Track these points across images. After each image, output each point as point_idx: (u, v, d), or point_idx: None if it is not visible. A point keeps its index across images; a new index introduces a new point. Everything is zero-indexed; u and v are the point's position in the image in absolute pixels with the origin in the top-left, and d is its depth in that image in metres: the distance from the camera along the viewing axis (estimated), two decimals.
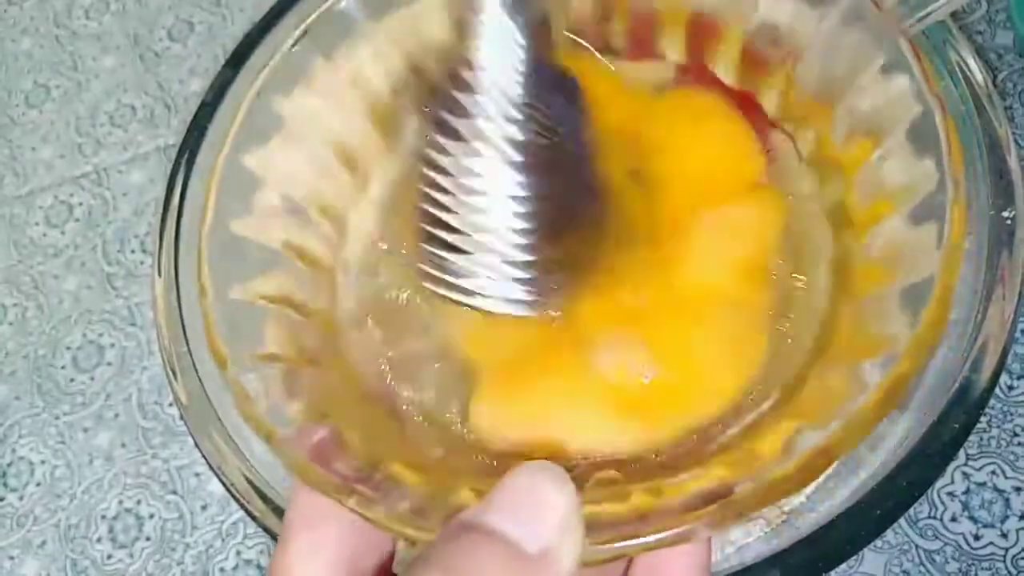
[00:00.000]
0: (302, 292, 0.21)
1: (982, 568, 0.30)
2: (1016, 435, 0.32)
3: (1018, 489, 0.31)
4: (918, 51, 0.20)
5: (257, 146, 0.22)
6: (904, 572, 0.31)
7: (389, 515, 0.17)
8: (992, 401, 0.30)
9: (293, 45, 0.23)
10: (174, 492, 0.38)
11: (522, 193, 0.21)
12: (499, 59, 0.21)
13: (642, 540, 0.16)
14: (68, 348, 0.42)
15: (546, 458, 0.17)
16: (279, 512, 0.26)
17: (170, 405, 0.39)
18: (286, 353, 0.20)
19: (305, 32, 0.23)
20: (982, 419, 0.31)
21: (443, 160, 0.21)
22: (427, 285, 0.22)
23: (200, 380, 0.28)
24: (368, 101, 0.24)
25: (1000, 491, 0.31)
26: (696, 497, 0.17)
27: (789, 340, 0.21)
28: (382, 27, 0.24)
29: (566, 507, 0.16)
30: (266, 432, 0.18)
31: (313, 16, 0.23)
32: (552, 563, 0.15)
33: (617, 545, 0.16)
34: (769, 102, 0.24)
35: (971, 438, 0.28)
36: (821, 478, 0.28)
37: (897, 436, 0.26)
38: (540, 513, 0.16)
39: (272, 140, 0.22)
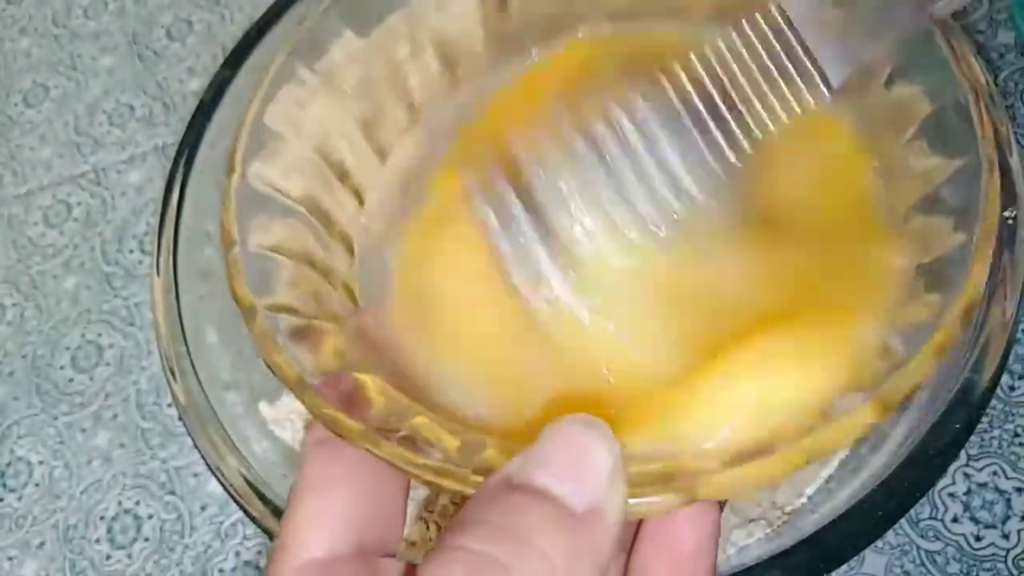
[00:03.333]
0: (323, 253, 0.21)
1: (983, 569, 0.30)
2: (1017, 435, 0.32)
3: (1019, 490, 0.31)
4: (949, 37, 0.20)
5: (282, 105, 0.21)
6: (905, 573, 0.31)
7: (422, 464, 0.16)
8: (993, 401, 0.30)
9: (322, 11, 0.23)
10: (173, 493, 0.38)
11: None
12: None
13: (681, 496, 0.16)
14: (67, 348, 0.42)
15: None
16: (278, 513, 0.26)
17: (169, 405, 0.39)
18: (309, 308, 0.19)
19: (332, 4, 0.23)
20: (983, 420, 0.31)
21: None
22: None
23: (199, 380, 0.28)
24: (394, 79, 0.24)
25: (1001, 492, 0.31)
26: (734, 456, 0.16)
27: None
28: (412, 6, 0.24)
29: (611, 462, 0.15)
30: (295, 379, 0.17)
31: None
32: (600, 519, 0.15)
33: (656, 499, 0.16)
34: None
35: (972, 439, 0.28)
36: (826, 473, 0.28)
37: (898, 437, 0.26)
38: (586, 469, 0.15)
39: (298, 103, 0.22)
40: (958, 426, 0.25)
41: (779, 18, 0.19)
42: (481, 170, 0.21)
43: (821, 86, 0.19)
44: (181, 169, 0.30)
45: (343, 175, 0.22)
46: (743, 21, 0.19)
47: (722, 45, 0.19)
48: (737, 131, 0.20)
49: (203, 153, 0.31)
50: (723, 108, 0.20)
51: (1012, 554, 0.30)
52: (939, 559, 0.31)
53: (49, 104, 0.49)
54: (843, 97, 0.20)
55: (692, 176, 0.20)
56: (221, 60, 0.32)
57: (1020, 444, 0.32)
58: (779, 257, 0.21)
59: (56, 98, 0.49)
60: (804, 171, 0.22)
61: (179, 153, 0.31)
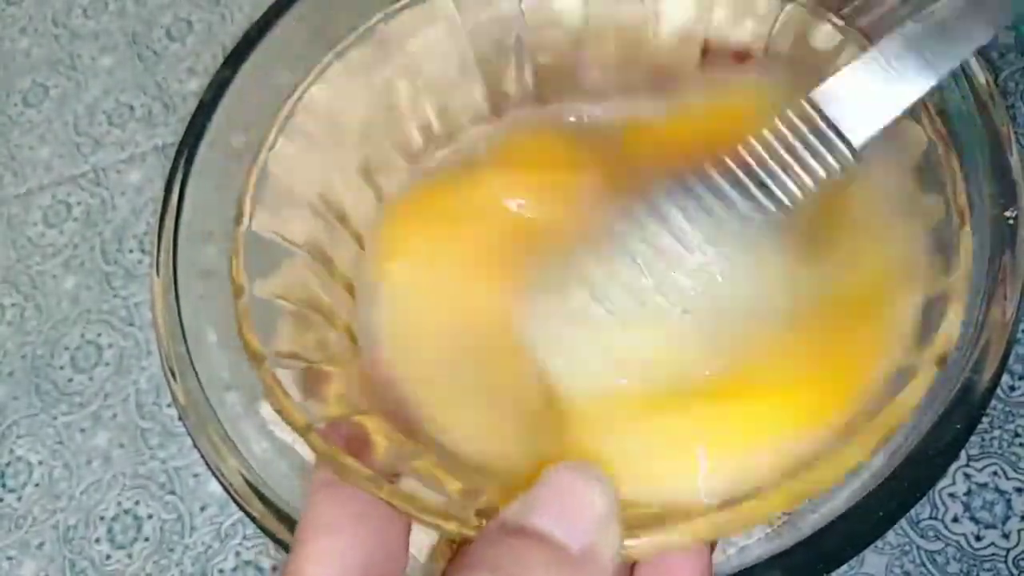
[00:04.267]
0: (326, 297, 0.21)
1: (983, 569, 0.30)
2: (1018, 436, 0.32)
3: (1020, 490, 0.31)
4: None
5: (286, 152, 0.22)
6: (905, 573, 0.31)
7: (426, 508, 0.17)
8: (994, 402, 0.30)
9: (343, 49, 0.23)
10: (173, 493, 0.38)
11: None
12: None
13: (674, 537, 0.17)
14: (66, 348, 0.42)
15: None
16: (278, 513, 0.26)
17: (168, 405, 0.39)
18: (313, 353, 0.20)
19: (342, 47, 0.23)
20: (984, 420, 0.31)
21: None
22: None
23: (199, 380, 0.28)
24: (393, 126, 0.24)
25: (1002, 492, 0.31)
26: (725, 499, 0.17)
27: None
28: (410, 49, 0.24)
29: (606, 505, 0.16)
30: (303, 425, 0.18)
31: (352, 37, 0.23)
32: (594, 561, 0.16)
33: (650, 539, 0.17)
34: None
35: (973, 439, 0.28)
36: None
37: (898, 437, 0.26)
38: (581, 512, 0.16)
39: (302, 147, 0.22)
40: (958, 426, 0.25)
41: (807, 107, 0.21)
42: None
43: (845, 151, 0.21)
44: (181, 169, 0.30)
45: (343, 219, 0.23)
46: (776, 119, 0.21)
47: (755, 139, 0.21)
48: (777, 192, 0.21)
49: (203, 153, 0.31)
50: (763, 175, 0.21)
51: (1012, 554, 0.30)
52: (939, 559, 0.31)
53: (49, 104, 0.49)
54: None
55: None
56: (221, 60, 0.32)
57: (1020, 444, 0.32)
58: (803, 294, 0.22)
59: (56, 98, 0.49)
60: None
61: (179, 153, 0.31)
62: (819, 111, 0.21)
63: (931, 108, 0.22)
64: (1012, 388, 0.33)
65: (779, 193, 0.21)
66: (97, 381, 0.41)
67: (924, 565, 0.31)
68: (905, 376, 0.18)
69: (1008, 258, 0.27)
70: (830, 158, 0.21)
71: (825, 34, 0.24)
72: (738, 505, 0.17)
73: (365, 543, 0.18)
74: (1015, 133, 0.29)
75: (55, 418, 0.40)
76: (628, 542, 0.16)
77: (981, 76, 0.29)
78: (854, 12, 0.26)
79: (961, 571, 0.30)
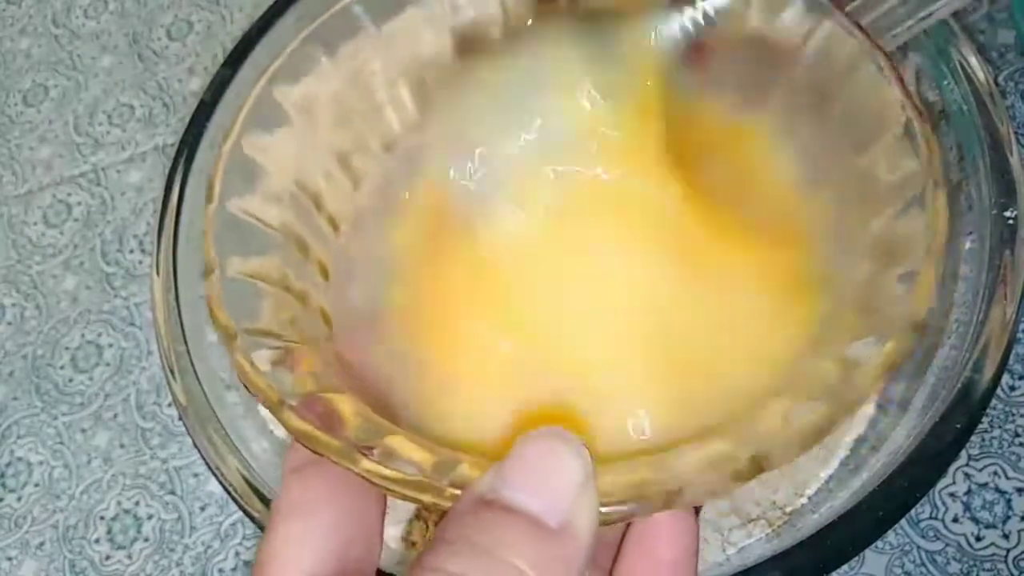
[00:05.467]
0: (300, 278, 0.21)
1: (984, 569, 0.30)
2: (1018, 435, 0.32)
3: (1020, 490, 0.31)
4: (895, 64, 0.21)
5: (261, 135, 0.22)
6: (906, 573, 0.30)
7: (399, 479, 0.17)
8: (994, 402, 0.30)
9: (301, 40, 0.23)
10: (173, 493, 0.38)
11: None
12: None
13: (648, 503, 0.16)
14: (67, 348, 0.42)
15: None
16: None
17: (169, 405, 0.39)
18: (286, 332, 0.20)
19: (312, 28, 0.23)
20: (984, 420, 0.31)
21: None
22: None
23: (199, 380, 0.28)
24: (369, 110, 0.24)
25: (1002, 492, 0.31)
26: (700, 465, 0.17)
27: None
28: (385, 32, 0.24)
29: (582, 475, 0.16)
30: (275, 400, 0.18)
31: (324, 17, 0.23)
32: (572, 532, 0.15)
33: (626, 507, 0.16)
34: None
35: (973, 439, 0.28)
36: (826, 473, 0.28)
37: (899, 437, 0.26)
38: (556, 482, 0.16)
39: (276, 131, 0.22)
40: (958, 426, 0.25)
41: None
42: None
43: None
44: (181, 169, 0.30)
45: (319, 203, 0.23)
46: None
47: None
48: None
49: (203, 153, 0.31)
50: None
51: (1012, 554, 0.30)
52: (939, 559, 0.31)
53: (49, 104, 0.49)
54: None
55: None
56: (221, 60, 0.32)
57: (1020, 444, 0.32)
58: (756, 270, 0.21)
59: (56, 98, 0.49)
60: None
61: (179, 153, 0.31)
62: None
63: (905, 80, 0.21)
64: (1012, 388, 0.33)
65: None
66: (97, 381, 0.41)
67: (924, 565, 0.31)
68: (881, 341, 0.17)
69: (1008, 257, 0.27)
70: None
71: None
72: (712, 470, 0.17)
73: (340, 525, 0.18)
74: (1015, 133, 0.29)
75: (55, 418, 0.40)
76: (604, 508, 0.16)
77: (981, 75, 0.29)
78: (854, 12, 0.26)
79: (961, 571, 0.30)
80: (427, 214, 0.23)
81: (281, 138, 0.22)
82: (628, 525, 0.19)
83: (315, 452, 0.17)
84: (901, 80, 0.21)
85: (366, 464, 0.17)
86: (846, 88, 0.21)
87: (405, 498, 0.17)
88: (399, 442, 0.17)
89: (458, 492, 0.16)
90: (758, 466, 0.17)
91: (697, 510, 0.19)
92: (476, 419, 0.20)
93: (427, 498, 0.17)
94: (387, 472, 0.17)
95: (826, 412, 0.17)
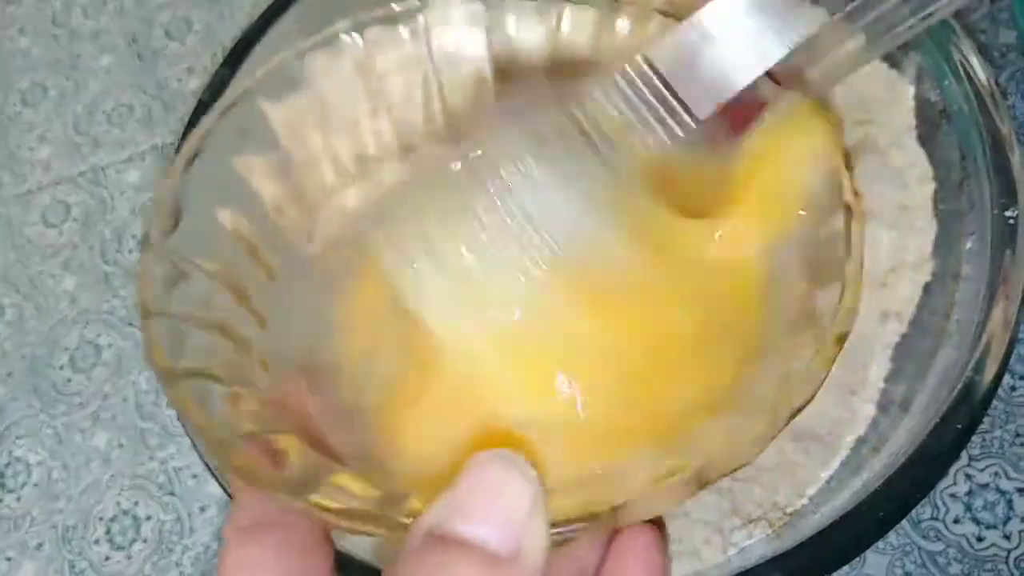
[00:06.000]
0: (238, 327, 0.21)
1: (984, 570, 0.30)
2: (1019, 436, 0.32)
3: (1021, 490, 0.31)
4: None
5: (197, 182, 0.22)
6: (907, 574, 0.30)
7: (351, 512, 0.17)
8: (995, 402, 0.30)
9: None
10: (172, 494, 0.38)
11: None
12: None
13: (596, 521, 0.16)
14: (65, 348, 0.41)
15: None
16: None
17: (168, 405, 0.39)
18: (224, 374, 0.20)
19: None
20: (985, 420, 0.31)
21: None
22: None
23: None
24: (310, 163, 0.24)
25: (1003, 492, 0.31)
26: (645, 481, 0.17)
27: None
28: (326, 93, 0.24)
29: (530, 498, 0.16)
30: (218, 438, 0.18)
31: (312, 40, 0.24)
32: (524, 557, 0.15)
33: (575, 527, 0.16)
34: None
35: (974, 439, 0.28)
36: (827, 474, 0.28)
37: (900, 437, 0.26)
38: (506, 508, 0.15)
39: (211, 182, 0.22)
40: (960, 427, 0.25)
41: (644, 66, 0.21)
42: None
43: (687, 119, 0.21)
44: None
45: (254, 252, 0.23)
46: (616, 74, 0.21)
47: (599, 93, 0.22)
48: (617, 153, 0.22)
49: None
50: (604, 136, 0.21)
51: (1013, 555, 0.30)
52: (940, 560, 0.30)
53: (48, 104, 0.49)
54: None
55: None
56: (221, 60, 0.32)
57: (1021, 445, 0.32)
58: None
59: (55, 98, 0.49)
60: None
61: (178, 152, 0.31)
62: (658, 74, 0.21)
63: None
64: (1013, 388, 0.33)
65: (620, 151, 0.21)
66: (96, 381, 0.41)
67: (925, 566, 0.30)
68: (804, 355, 0.18)
69: (1009, 258, 0.27)
70: (672, 124, 0.21)
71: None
72: (657, 484, 0.17)
73: (285, 554, 0.18)
74: (1016, 133, 0.28)
75: (54, 418, 0.40)
76: (555, 530, 0.16)
77: (982, 76, 0.29)
78: (854, 12, 0.26)
79: (962, 572, 0.30)
80: (353, 272, 0.23)
81: (217, 184, 0.22)
82: (609, 545, 0.19)
83: (260, 488, 0.17)
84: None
85: (315, 498, 0.17)
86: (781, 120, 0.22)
87: (355, 531, 0.17)
88: (345, 479, 0.17)
89: (408, 521, 0.16)
90: (700, 479, 0.17)
91: (662, 529, 0.19)
92: (421, 457, 0.20)
93: (379, 530, 0.16)
94: (336, 505, 0.17)
95: (764, 425, 0.17)
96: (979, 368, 0.25)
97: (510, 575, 0.15)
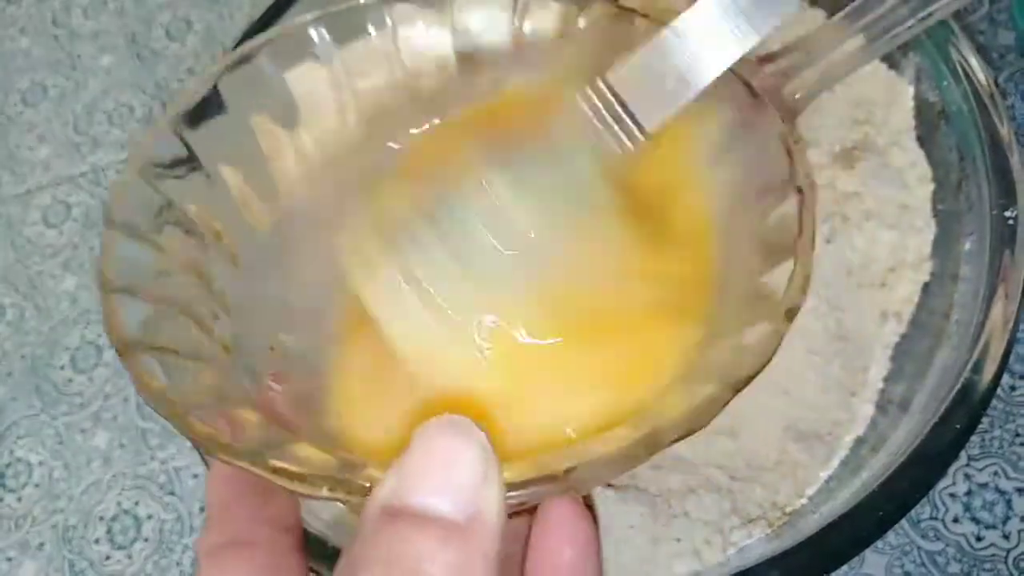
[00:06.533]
0: (200, 307, 0.21)
1: (984, 569, 0.30)
2: (1018, 436, 0.32)
3: (1020, 490, 0.31)
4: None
5: (160, 170, 0.22)
6: (906, 573, 0.30)
7: (312, 477, 0.16)
8: (994, 402, 0.30)
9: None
10: (172, 493, 0.38)
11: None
12: None
13: (549, 484, 0.16)
14: (66, 348, 0.42)
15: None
16: None
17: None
18: (184, 350, 0.20)
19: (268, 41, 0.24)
20: (984, 420, 0.31)
21: None
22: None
23: None
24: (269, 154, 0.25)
25: (1002, 492, 0.31)
26: (598, 449, 0.17)
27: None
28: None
29: (483, 462, 0.15)
30: (176, 409, 0.18)
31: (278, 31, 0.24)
32: (482, 524, 0.15)
33: (527, 491, 0.16)
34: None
35: (973, 439, 0.28)
36: (826, 473, 0.28)
37: (899, 437, 0.26)
38: (458, 476, 0.15)
39: (174, 171, 0.23)
40: (959, 426, 0.25)
41: (602, 85, 0.23)
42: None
43: (638, 133, 0.23)
44: None
45: (219, 236, 0.23)
46: (576, 94, 0.23)
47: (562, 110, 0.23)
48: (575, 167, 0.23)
49: None
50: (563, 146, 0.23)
51: (1013, 554, 0.30)
52: (940, 559, 0.31)
53: (48, 104, 0.49)
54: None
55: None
56: None
57: (1021, 444, 0.32)
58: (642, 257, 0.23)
59: (55, 97, 0.49)
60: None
61: None
62: (615, 94, 0.23)
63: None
64: (1013, 388, 0.33)
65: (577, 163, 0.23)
66: (97, 381, 0.41)
67: (925, 565, 0.31)
68: (757, 329, 0.19)
69: (1008, 258, 0.27)
70: (624, 138, 0.23)
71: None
72: (608, 446, 0.17)
73: (258, 570, 0.18)
74: (1015, 134, 0.29)
75: (55, 418, 0.40)
76: (510, 492, 0.16)
77: (982, 76, 0.29)
78: (854, 12, 0.26)
79: (961, 571, 0.30)
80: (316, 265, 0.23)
81: (180, 175, 0.23)
82: (529, 531, 0.19)
83: (220, 458, 0.17)
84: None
85: (275, 463, 0.16)
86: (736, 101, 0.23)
87: (317, 497, 0.17)
88: (303, 448, 0.17)
89: (368, 485, 0.16)
90: (652, 444, 0.17)
91: (594, 514, 0.19)
92: (377, 432, 0.20)
93: (340, 494, 0.16)
94: (297, 469, 0.16)
95: (716, 390, 0.17)
96: (978, 368, 0.25)
97: (469, 543, 0.15)
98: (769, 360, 0.18)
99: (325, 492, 0.16)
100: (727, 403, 0.17)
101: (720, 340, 0.20)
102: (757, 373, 0.18)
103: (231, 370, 0.21)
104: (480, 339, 0.21)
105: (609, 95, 0.23)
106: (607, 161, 0.23)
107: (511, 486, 0.16)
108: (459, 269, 0.21)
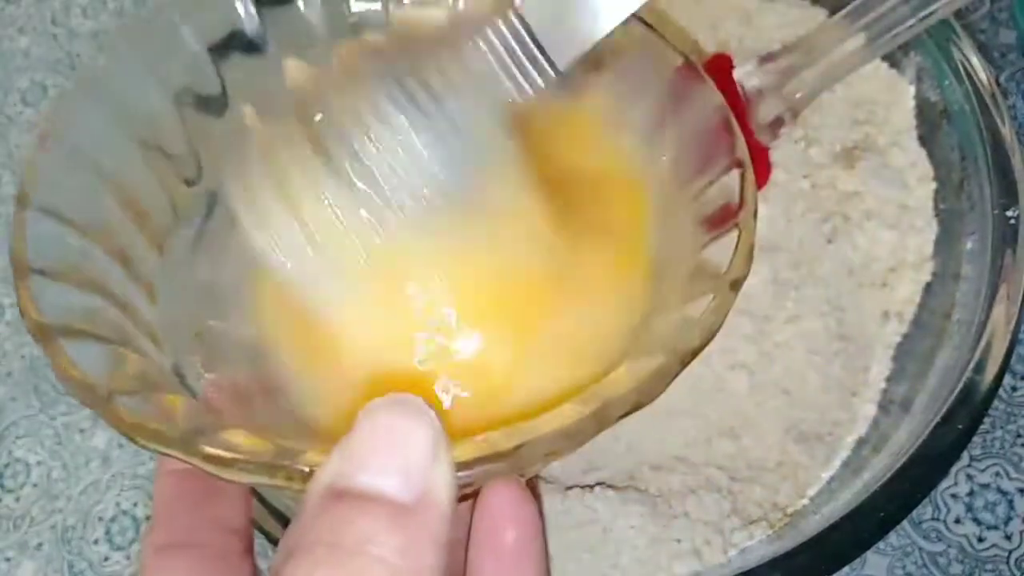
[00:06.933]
0: (123, 293, 0.21)
1: (985, 570, 0.30)
2: (1020, 436, 0.32)
3: (1022, 491, 0.31)
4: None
5: (71, 144, 0.22)
6: (907, 574, 0.30)
7: (247, 464, 0.16)
8: (995, 402, 0.30)
9: None
10: None
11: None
12: None
13: (507, 460, 0.16)
14: None
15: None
16: (276, 515, 0.26)
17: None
18: (110, 335, 0.19)
19: None
20: (986, 421, 0.31)
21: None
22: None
23: None
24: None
25: (1004, 493, 0.31)
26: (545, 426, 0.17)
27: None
28: None
29: (431, 441, 0.15)
30: (100, 396, 0.17)
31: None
32: (431, 505, 0.14)
33: (475, 470, 0.16)
34: None
35: (975, 439, 0.28)
36: (828, 474, 0.28)
37: (901, 438, 0.26)
38: (406, 455, 0.15)
39: (87, 146, 0.23)
40: (960, 427, 0.25)
41: (514, 19, 0.22)
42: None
43: (549, 70, 0.22)
44: None
45: (142, 222, 0.22)
46: (486, 27, 0.22)
47: (469, 47, 0.22)
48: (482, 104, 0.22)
49: None
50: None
51: (1014, 555, 0.30)
52: (941, 560, 0.30)
53: (47, 103, 0.49)
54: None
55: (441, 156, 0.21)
56: None
57: (1022, 445, 0.32)
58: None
59: (55, 97, 0.49)
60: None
61: None
62: (527, 27, 0.22)
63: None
64: (1014, 388, 0.33)
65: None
66: None
67: (926, 566, 0.30)
68: (702, 302, 0.19)
69: (1010, 257, 0.27)
70: (536, 76, 0.22)
71: None
72: (562, 424, 0.16)
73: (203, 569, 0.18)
74: (1016, 133, 0.28)
75: (54, 418, 0.40)
76: (461, 472, 0.15)
77: (983, 76, 0.29)
78: (854, 12, 0.26)
79: (963, 572, 0.30)
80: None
81: (95, 150, 0.22)
82: (472, 516, 0.18)
83: (148, 447, 0.16)
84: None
85: (208, 451, 0.16)
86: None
87: (256, 484, 0.16)
88: (237, 435, 0.16)
89: (308, 470, 0.15)
90: (600, 419, 0.17)
91: (538, 498, 0.19)
92: (318, 417, 0.20)
93: (278, 481, 0.16)
94: (230, 455, 0.16)
95: (663, 363, 0.17)
96: (980, 368, 0.25)
97: (418, 523, 0.14)
98: (716, 332, 0.18)
99: (264, 479, 0.16)
100: (675, 376, 0.17)
101: (666, 314, 0.20)
102: (704, 345, 0.18)
103: (159, 357, 0.20)
104: (414, 313, 0.20)
105: (522, 30, 0.22)
106: (516, 110, 0.22)
107: (459, 465, 0.15)
108: (359, 220, 0.20)
